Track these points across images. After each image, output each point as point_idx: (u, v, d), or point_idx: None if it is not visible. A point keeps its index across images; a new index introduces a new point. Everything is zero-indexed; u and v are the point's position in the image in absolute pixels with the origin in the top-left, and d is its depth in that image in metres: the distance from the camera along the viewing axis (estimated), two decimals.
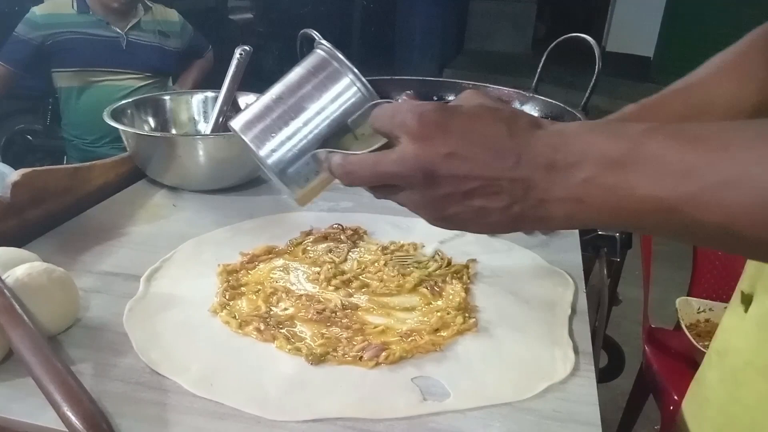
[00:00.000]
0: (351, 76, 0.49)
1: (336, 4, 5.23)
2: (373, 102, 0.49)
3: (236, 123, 0.51)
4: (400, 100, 0.49)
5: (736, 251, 0.38)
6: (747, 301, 0.56)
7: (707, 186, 0.34)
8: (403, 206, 0.44)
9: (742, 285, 0.58)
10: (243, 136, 0.50)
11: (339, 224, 0.82)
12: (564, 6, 6.71)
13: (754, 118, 0.41)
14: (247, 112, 0.51)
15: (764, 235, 0.33)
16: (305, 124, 0.49)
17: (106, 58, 1.98)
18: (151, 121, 1.04)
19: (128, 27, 1.99)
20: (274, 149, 0.49)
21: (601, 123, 0.41)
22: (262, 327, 0.60)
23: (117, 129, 0.91)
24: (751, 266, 0.58)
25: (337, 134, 0.50)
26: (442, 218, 0.43)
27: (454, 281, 0.71)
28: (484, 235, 0.82)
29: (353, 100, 0.49)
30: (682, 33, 5.14)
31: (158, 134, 1.00)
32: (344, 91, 0.49)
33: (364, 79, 0.49)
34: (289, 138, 0.49)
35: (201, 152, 0.90)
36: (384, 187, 0.44)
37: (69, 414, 0.45)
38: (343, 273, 0.71)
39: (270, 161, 0.49)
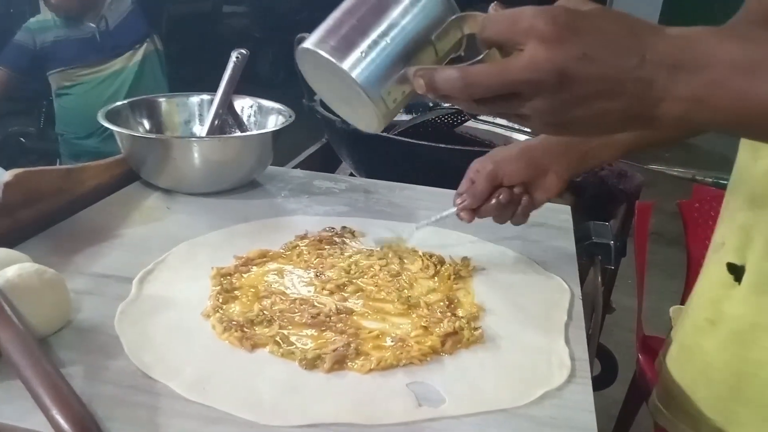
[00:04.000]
0: None
1: (331, 10, 5.23)
2: (458, 15, 0.46)
3: (308, 41, 0.47)
4: (491, 10, 0.45)
5: None
6: (736, 271, 0.60)
7: None
8: (517, 116, 0.43)
9: (726, 257, 0.61)
10: (319, 50, 0.46)
11: (332, 227, 0.82)
12: None
13: None
14: (318, 31, 0.47)
15: None
16: (385, 34, 0.45)
17: (85, 54, 2.05)
18: (146, 123, 1.04)
19: (99, 19, 2.04)
20: (356, 63, 0.45)
21: (728, 28, 0.42)
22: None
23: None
24: (734, 238, 0.61)
25: (416, 51, 0.46)
26: (561, 124, 0.43)
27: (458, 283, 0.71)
28: (477, 239, 0.82)
29: (432, 9, 0.46)
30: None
31: (153, 136, 0.99)
32: None
33: None
34: (370, 49, 0.45)
35: (196, 155, 0.90)
36: (506, 97, 0.42)
37: (58, 417, 0.44)
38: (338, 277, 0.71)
39: (356, 75, 0.45)
